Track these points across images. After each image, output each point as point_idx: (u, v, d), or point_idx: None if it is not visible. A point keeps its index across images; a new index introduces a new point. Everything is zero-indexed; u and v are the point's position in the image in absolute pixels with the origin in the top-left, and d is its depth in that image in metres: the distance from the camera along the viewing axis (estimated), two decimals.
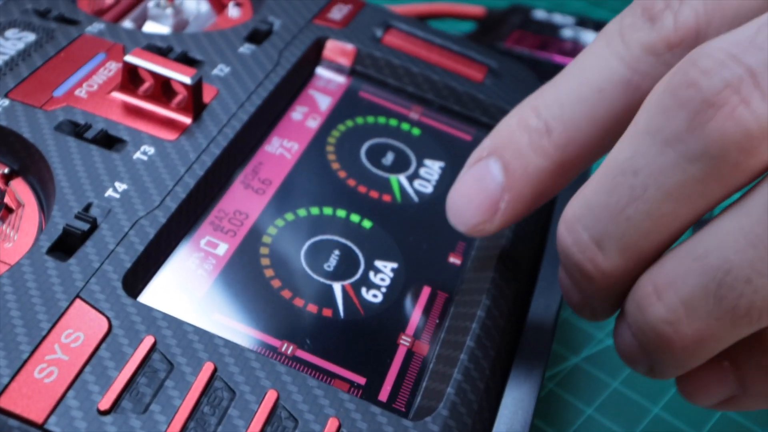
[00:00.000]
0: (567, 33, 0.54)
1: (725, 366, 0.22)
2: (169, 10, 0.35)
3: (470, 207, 0.24)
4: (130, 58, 0.28)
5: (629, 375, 0.36)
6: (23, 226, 0.26)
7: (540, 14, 0.56)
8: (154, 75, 0.28)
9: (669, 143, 0.19)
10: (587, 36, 0.53)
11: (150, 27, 0.35)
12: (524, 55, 0.53)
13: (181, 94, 0.29)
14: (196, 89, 0.28)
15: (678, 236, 0.21)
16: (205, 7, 0.37)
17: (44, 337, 0.22)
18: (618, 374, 0.36)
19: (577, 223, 0.21)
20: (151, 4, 0.36)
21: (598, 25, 0.54)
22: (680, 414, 0.35)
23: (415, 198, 0.31)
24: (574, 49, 0.52)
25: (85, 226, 0.24)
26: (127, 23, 0.35)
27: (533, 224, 0.30)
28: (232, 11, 0.37)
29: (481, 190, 0.24)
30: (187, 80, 0.28)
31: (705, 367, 0.22)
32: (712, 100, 0.19)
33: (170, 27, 0.36)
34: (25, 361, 0.21)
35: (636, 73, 0.22)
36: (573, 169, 0.24)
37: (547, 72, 0.52)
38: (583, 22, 0.55)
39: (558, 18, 0.55)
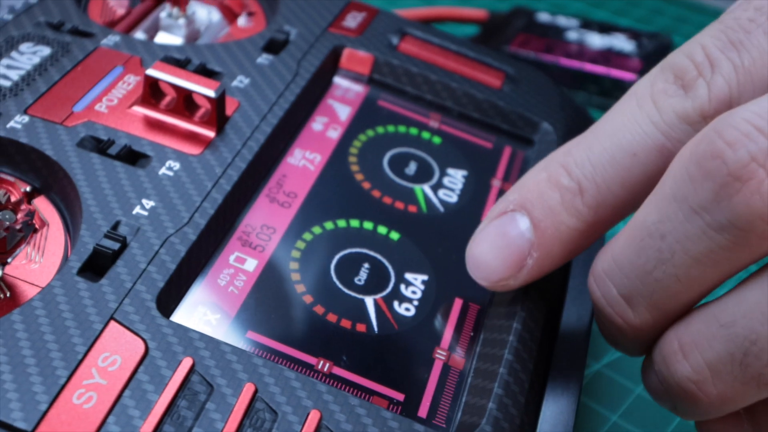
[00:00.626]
0: (572, 35, 0.53)
1: (741, 414, 0.23)
2: (181, 21, 0.35)
3: (495, 262, 0.24)
4: (151, 72, 0.28)
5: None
6: (49, 246, 0.25)
7: (544, 17, 0.55)
8: (177, 88, 0.28)
9: (696, 212, 0.20)
10: (592, 38, 0.53)
11: (162, 38, 0.35)
12: (530, 59, 0.52)
13: (204, 108, 0.28)
14: (219, 102, 0.28)
15: (705, 295, 0.22)
16: (216, 16, 0.37)
17: (81, 361, 0.21)
18: (640, 380, 0.36)
19: (606, 278, 0.22)
20: (162, 15, 0.35)
21: (602, 27, 0.54)
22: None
23: (441, 208, 0.30)
24: (580, 51, 0.52)
25: (116, 246, 0.24)
26: (140, 34, 0.35)
27: None
28: (245, 21, 0.36)
29: (507, 246, 0.24)
30: (211, 93, 0.27)
31: (724, 417, 0.23)
32: (738, 173, 0.19)
33: (183, 37, 0.35)
34: (63, 387, 0.21)
35: (669, 139, 0.22)
36: (602, 229, 0.24)
37: (553, 75, 0.52)
38: (588, 25, 0.54)
39: (562, 20, 0.55)
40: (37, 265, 0.25)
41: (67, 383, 0.21)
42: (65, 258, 0.25)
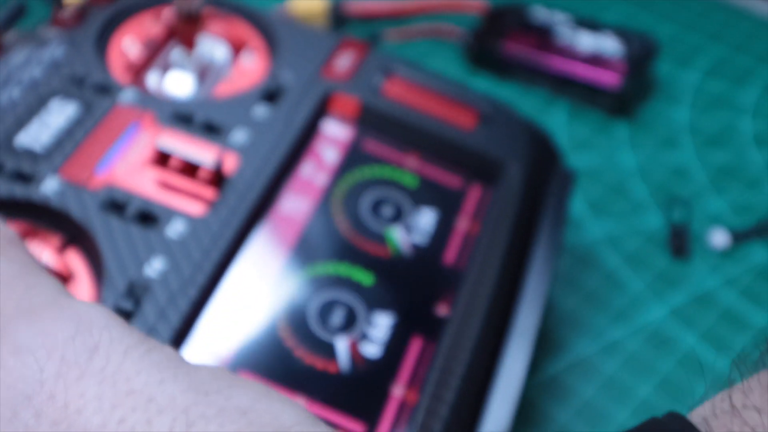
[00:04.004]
0: (564, 33, 0.57)
1: None
2: (189, 60, 0.39)
3: None
4: (161, 144, 0.33)
5: (601, 386, 0.41)
6: (79, 296, 0.31)
7: (539, 12, 0.58)
8: (182, 159, 0.33)
9: None
10: (582, 39, 0.56)
11: (175, 75, 0.39)
12: (521, 59, 0.56)
13: (207, 167, 0.33)
14: (217, 170, 0.33)
15: None
16: (222, 50, 0.41)
17: None
18: (590, 386, 0.41)
19: None
20: (173, 54, 0.40)
21: (594, 26, 0.57)
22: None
23: (409, 250, 0.35)
24: (568, 54, 0.55)
25: (131, 305, 0.29)
26: (154, 72, 0.39)
27: (510, 279, 0.34)
28: (248, 58, 0.41)
29: None
30: (211, 164, 0.32)
31: None
32: None
33: (193, 72, 0.40)
34: None
35: None
36: None
37: (542, 76, 0.55)
38: (581, 22, 0.58)
39: (556, 16, 0.58)
40: None
41: None
42: None
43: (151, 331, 0.29)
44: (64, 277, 0.31)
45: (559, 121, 0.55)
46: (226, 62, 0.41)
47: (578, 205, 0.50)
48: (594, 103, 0.55)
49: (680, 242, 0.47)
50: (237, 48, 0.42)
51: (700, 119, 0.55)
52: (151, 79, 0.39)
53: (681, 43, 0.61)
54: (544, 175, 0.39)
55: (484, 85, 0.57)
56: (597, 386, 0.41)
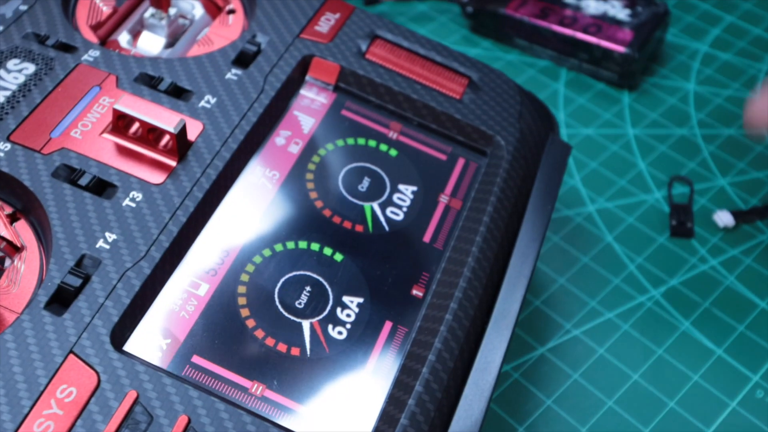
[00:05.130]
0: (569, 0, 0.54)
1: None
2: (164, 21, 0.37)
3: None
4: (119, 107, 0.30)
5: (588, 368, 0.39)
6: (27, 269, 0.29)
7: None
8: (141, 122, 0.30)
9: None
10: (588, 5, 0.53)
11: (146, 37, 0.37)
12: (524, 23, 0.53)
13: (168, 135, 0.31)
14: (179, 135, 0.30)
15: None
16: (200, 11, 0.39)
17: (42, 393, 0.25)
18: (578, 366, 0.39)
19: None
20: (146, 15, 0.37)
21: None
22: (631, 408, 0.38)
23: (386, 227, 0.33)
24: (574, 18, 0.53)
25: (78, 282, 0.27)
26: (125, 35, 0.37)
27: (492, 259, 0.32)
28: (225, 19, 0.38)
29: None
30: (171, 129, 0.30)
31: None
32: None
33: (166, 37, 0.37)
34: (26, 416, 0.25)
35: None
36: None
37: (546, 40, 0.53)
38: None
39: None
40: (16, 288, 0.28)
41: (29, 413, 0.25)
42: (39, 283, 0.28)
43: (99, 310, 0.27)
44: (17, 249, 0.29)
45: (560, 92, 0.52)
46: (202, 23, 0.39)
47: (575, 178, 0.47)
48: (599, 69, 0.52)
49: (681, 221, 0.45)
50: (215, 8, 0.39)
51: (705, 92, 0.53)
52: (123, 40, 0.37)
53: (692, 11, 0.58)
54: (536, 148, 0.37)
55: (484, 52, 0.54)
56: (587, 367, 0.39)
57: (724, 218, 0.45)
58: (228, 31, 0.38)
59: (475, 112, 0.36)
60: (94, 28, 0.36)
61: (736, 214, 0.45)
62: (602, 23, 0.52)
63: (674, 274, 0.43)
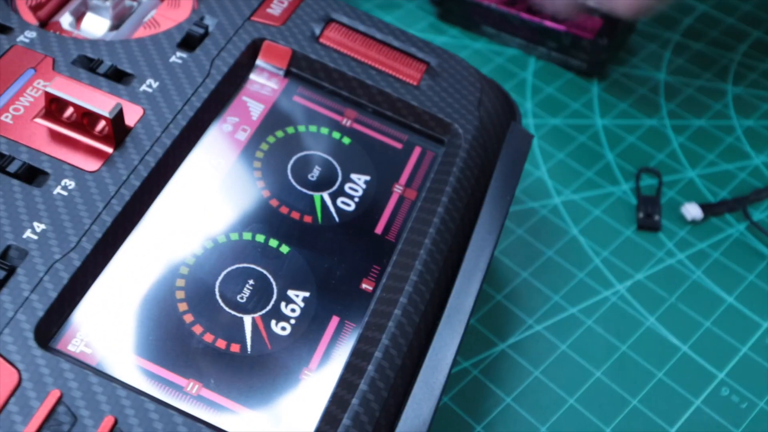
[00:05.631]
0: None
1: None
2: (108, 2, 0.36)
3: None
4: (51, 90, 0.29)
5: (550, 364, 0.38)
6: None
7: None
8: (75, 106, 0.29)
9: None
10: None
11: (90, 19, 0.36)
12: (492, 10, 0.52)
13: (104, 120, 0.30)
14: (116, 120, 0.29)
15: None
16: None
17: None
18: (540, 363, 0.38)
19: None
20: None
21: None
22: (593, 406, 0.37)
23: (336, 218, 0.32)
24: (542, 6, 0.51)
25: (2, 274, 0.26)
26: (67, 16, 0.35)
27: (446, 252, 0.31)
28: (172, 3, 0.37)
29: None
30: (107, 114, 0.29)
31: None
32: None
33: (110, 19, 0.36)
34: None
35: None
36: None
37: (514, 27, 0.52)
38: None
39: None
40: None
41: None
42: None
43: (24, 304, 0.26)
44: None
45: (528, 81, 0.51)
46: (150, 5, 0.37)
47: (541, 170, 0.46)
48: (568, 58, 0.51)
49: (648, 213, 0.44)
50: None
51: (676, 82, 0.52)
52: (65, 22, 0.36)
53: None
54: (497, 137, 0.36)
55: (451, 40, 0.53)
56: (548, 363, 0.38)
57: (692, 211, 0.44)
58: (176, 13, 0.36)
59: (432, 99, 0.35)
60: (34, 9, 0.35)
61: (705, 207, 0.44)
62: None
63: (640, 268, 0.42)
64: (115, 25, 0.36)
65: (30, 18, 0.34)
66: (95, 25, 0.36)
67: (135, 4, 0.37)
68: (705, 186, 0.46)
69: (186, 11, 0.36)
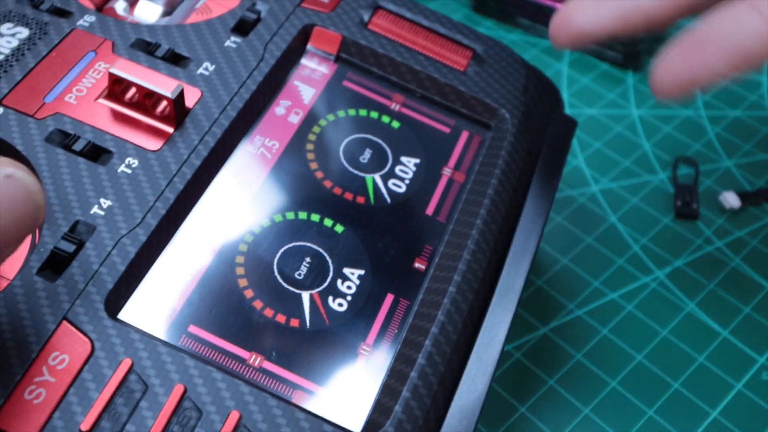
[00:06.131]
0: None
1: None
2: None
3: None
4: (115, 71, 0.30)
5: (592, 348, 0.39)
6: None
7: None
8: (137, 86, 0.30)
9: None
10: None
11: (143, 5, 0.36)
12: (528, 1, 0.52)
13: (165, 101, 0.30)
14: (177, 101, 0.30)
15: None
16: None
17: (34, 360, 0.24)
18: (581, 347, 0.39)
19: None
20: None
21: None
22: (635, 389, 0.37)
23: (388, 199, 0.32)
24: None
25: (71, 248, 0.26)
26: (121, 2, 0.36)
27: (497, 233, 0.31)
28: None
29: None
30: (169, 94, 0.29)
31: None
32: None
33: (162, 5, 0.36)
34: (17, 383, 0.24)
35: None
36: None
37: (549, 18, 0.52)
38: None
39: None
40: None
41: (21, 380, 0.24)
42: (32, 249, 0.28)
43: (93, 276, 0.26)
44: None
45: (563, 72, 0.51)
46: None
47: (579, 158, 0.46)
48: (603, 49, 0.51)
49: (686, 202, 0.44)
50: None
51: None
52: (119, 7, 0.36)
53: None
54: (542, 123, 0.36)
55: (486, 32, 0.54)
56: (590, 347, 0.39)
57: (730, 199, 0.44)
58: (227, 0, 0.37)
59: (479, 84, 0.36)
60: None
61: (743, 196, 0.44)
62: None
63: (679, 256, 0.42)
64: (167, 12, 0.37)
65: (87, 3, 0.35)
66: (148, 11, 0.36)
67: None
68: (742, 175, 0.46)
69: None
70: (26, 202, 0.22)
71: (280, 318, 0.28)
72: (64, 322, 0.25)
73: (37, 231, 0.28)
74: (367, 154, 0.33)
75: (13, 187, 0.22)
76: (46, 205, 0.24)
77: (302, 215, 0.31)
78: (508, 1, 0.53)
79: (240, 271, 0.29)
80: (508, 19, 0.54)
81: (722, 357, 0.39)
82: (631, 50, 0.51)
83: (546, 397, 0.37)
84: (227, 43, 0.34)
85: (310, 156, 0.33)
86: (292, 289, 0.29)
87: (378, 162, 0.33)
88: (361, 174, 0.33)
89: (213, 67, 0.33)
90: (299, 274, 0.29)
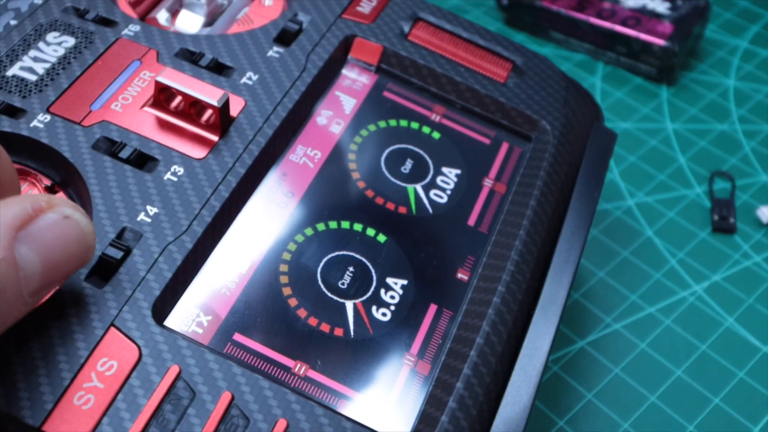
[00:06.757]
0: None
1: None
2: (203, 0, 0.37)
3: None
4: (161, 79, 0.30)
5: (630, 362, 0.38)
6: None
7: None
8: (184, 95, 0.30)
9: None
10: None
11: (184, 16, 0.37)
12: (561, 15, 0.52)
13: (211, 110, 0.30)
14: (223, 109, 0.30)
15: None
16: None
17: (82, 365, 0.24)
18: (619, 361, 0.38)
19: None
20: None
21: None
22: (675, 404, 0.37)
23: (430, 209, 0.32)
24: (612, 10, 0.52)
25: (119, 254, 0.27)
26: (163, 12, 0.36)
27: (540, 244, 0.31)
28: (265, 1, 0.38)
29: None
30: (215, 103, 0.29)
31: None
32: None
33: (204, 16, 0.37)
34: (66, 388, 0.24)
35: None
36: None
37: (583, 32, 0.52)
38: None
39: None
40: None
41: (70, 385, 0.24)
42: None
43: (141, 283, 0.26)
44: None
45: (596, 86, 0.51)
46: (240, 4, 0.38)
47: (614, 172, 0.46)
48: (637, 63, 0.51)
49: (723, 216, 0.44)
50: None
51: (746, 88, 0.52)
52: (161, 17, 0.37)
53: (731, 7, 0.57)
54: (581, 135, 0.36)
55: None
56: (628, 361, 0.38)
57: (767, 214, 0.44)
58: (268, 11, 0.37)
59: (519, 96, 0.36)
60: (133, 4, 0.36)
61: None
62: (641, 16, 0.51)
63: (717, 270, 0.42)
64: (208, 22, 0.37)
65: (131, 13, 0.35)
66: (189, 22, 0.37)
67: (226, 2, 0.38)
68: None
69: (278, 9, 0.37)
70: (79, 242, 0.24)
71: (325, 327, 0.28)
72: (112, 329, 0.25)
73: None
74: (408, 164, 0.33)
75: (69, 228, 0.23)
76: (95, 245, 0.24)
77: (345, 224, 0.31)
78: (541, 15, 0.53)
79: (284, 279, 0.29)
80: (541, 33, 0.54)
81: (763, 372, 0.38)
82: (665, 64, 0.50)
83: (584, 411, 0.37)
84: (270, 53, 0.34)
85: (352, 166, 0.33)
86: (336, 298, 0.29)
87: (419, 172, 0.33)
88: (403, 184, 0.33)
89: (256, 76, 0.33)
90: (343, 284, 0.29)
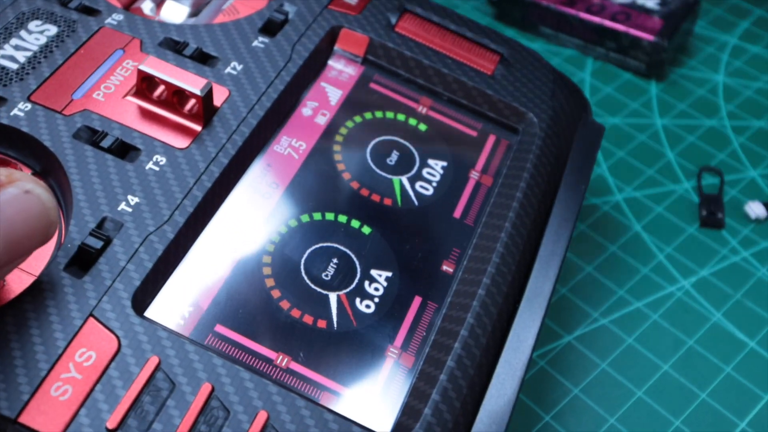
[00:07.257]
0: None
1: None
2: None
3: None
4: (144, 68, 0.29)
5: (617, 357, 0.38)
6: None
7: None
8: (167, 84, 0.29)
9: None
10: None
11: (169, 6, 0.36)
12: (551, 10, 0.52)
13: (194, 99, 0.30)
14: (206, 99, 0.29)
15: None
16: None
17: (60, 356, 0.24)
18: (607, 356, 0.38)
19: None
20: None
21: None
22: (662, 399, 0.37)
23: (416, 201, 0.32)
24: (602, 5, 0.52)
25: (99, 244, 0.26)
26: (148, 2, 0.36)
27: (525, 237, 0.31)
28: None
29: None
30: (198, 92, 0.29)
31: None
32: None
33: (189, 6, 0.36)
34: (43, 379, 0.24)
35: None
36: None
37: (573, 27, 0.52)
38: None
39: None
40: None
41: (47, 376, 0.24)
42: (58, 245, 0.27)
43: (121, 273, 0.26)
44: None
45: (586, 81, 0.51)
46: None
47: (602, 167, 0.46)
48: (626, 58, 0.51)
49: (711, 211, 0.44)
50: None
51: (735, 84, 0.52)
52: (146, 7, 0.36)
53: (721, 3, 0.57)
54: (569, 128, 0.36)
55: None
56: (615, 356, 0.38)
57: (756, 209, 0.44)
58: (254, 1, 0.37)
59: (507, 88, 0.35)
60: None
61: None
62: (631, 11, 0.51)
63: (704, 265, 0.42)
64: (194, 12, 0.37)
65: (115, 2, 0.35)
66: (175, 12, 0.36)
67: None
68: (767, 185, 0.46)
69: (264, 0, 0.37)
70: (41, 217, 0.23)
71: (308, 319, 0.28)
72: (91, 319, 0.25)
73: (63, 227, 0.28)
74: (394, 156, 0.33)
75: (30, 203, 0.23)
76: (58, 223, 0.24)
77: (329, 216, 0.31)
78: (531, 10, 0.53)
79: (267, 270, 0.29)
80: (531, 28, 0.54)
81: (750, 367, 0.38)
82: (654, 60, 0.50)
83: (571, 405, 0.37)
84: (255, 43, 0.33)
85: (337, 157, 0.32)
86: (319, 290, 0.29)
87: (405, 164, 0.33)
88: (388, 176, 0.32)
89: (241, 66, 0.32)
90: (326, 275, 0.29)
